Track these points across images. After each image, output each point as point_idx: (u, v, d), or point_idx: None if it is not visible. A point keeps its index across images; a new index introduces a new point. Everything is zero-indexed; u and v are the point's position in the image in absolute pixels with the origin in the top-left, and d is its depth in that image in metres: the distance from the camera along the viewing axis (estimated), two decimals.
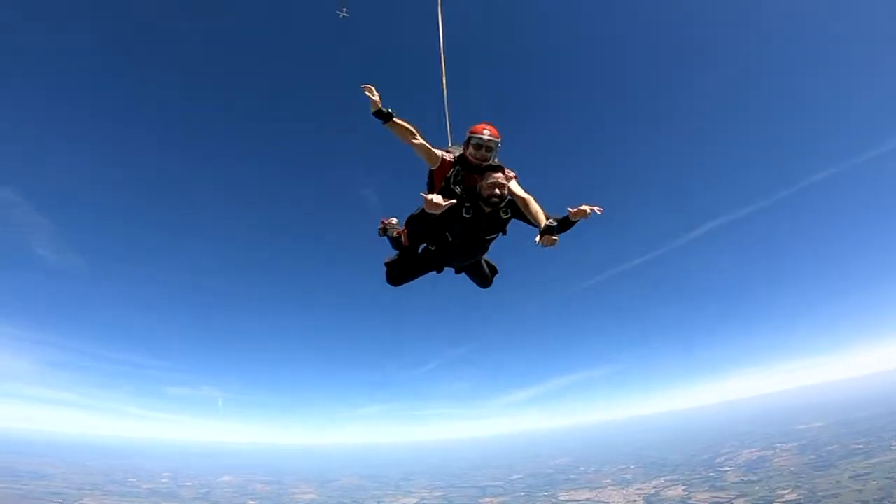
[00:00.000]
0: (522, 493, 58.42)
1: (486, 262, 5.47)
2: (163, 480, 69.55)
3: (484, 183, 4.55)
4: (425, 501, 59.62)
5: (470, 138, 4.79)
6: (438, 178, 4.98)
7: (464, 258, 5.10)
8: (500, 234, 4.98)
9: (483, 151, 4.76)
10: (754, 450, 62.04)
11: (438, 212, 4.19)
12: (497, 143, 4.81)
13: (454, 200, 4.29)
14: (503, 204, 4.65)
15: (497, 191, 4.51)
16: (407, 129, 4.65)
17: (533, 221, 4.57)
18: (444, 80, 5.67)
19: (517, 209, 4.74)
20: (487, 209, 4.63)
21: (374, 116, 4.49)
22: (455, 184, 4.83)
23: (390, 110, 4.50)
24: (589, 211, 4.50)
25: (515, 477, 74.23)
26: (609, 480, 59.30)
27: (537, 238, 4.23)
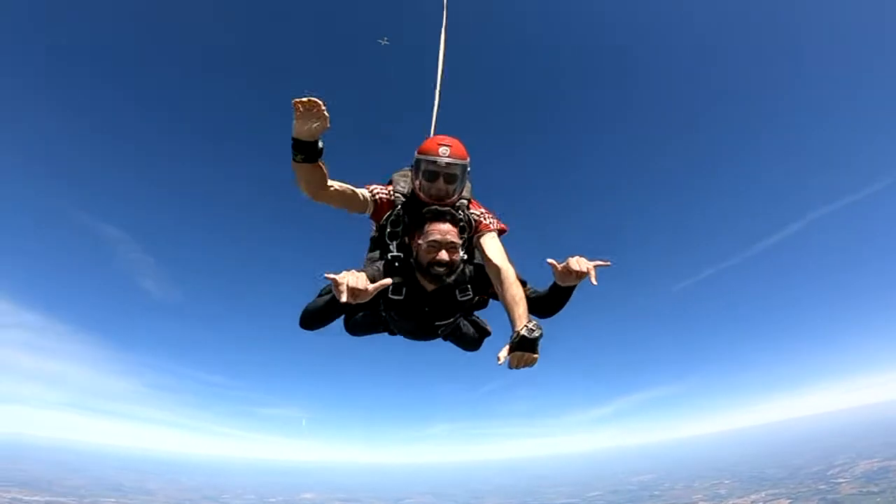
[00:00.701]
0: None
1: (471, 320, 3.49)
2: (249, 497, 73.58)
3: (422, 242, 2.71)
4: None
5: (418, 162, 2.95)
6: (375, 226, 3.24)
7: (415, 338, 3.25)
8: (466, 311, 3.16)
9: (439, 183, 2.90)
10: (874, 460, 54.24)
11: (355, 301, 2.42)
12: (461, 167, 2.92)
13: (386, 282, 2.47)
14: (452, 277, 2.81)
15: (441, 256, 2.68)
16: (324, 173, 2.74)
17: (505, 309, 2.71)
18: (440, 79, 4.21)
19: (485, 283, 2.91)
20: (430, 286, 2.83)
21: (293, 147, 2.52)
22: (391, 237, 2.97)
23: (321, 146, 2.60)
24: (587, 270, 2.64)
25: (593, 494, 70.20)
26: (700, 496, 54.37)
27: (502, 354, 2.48)
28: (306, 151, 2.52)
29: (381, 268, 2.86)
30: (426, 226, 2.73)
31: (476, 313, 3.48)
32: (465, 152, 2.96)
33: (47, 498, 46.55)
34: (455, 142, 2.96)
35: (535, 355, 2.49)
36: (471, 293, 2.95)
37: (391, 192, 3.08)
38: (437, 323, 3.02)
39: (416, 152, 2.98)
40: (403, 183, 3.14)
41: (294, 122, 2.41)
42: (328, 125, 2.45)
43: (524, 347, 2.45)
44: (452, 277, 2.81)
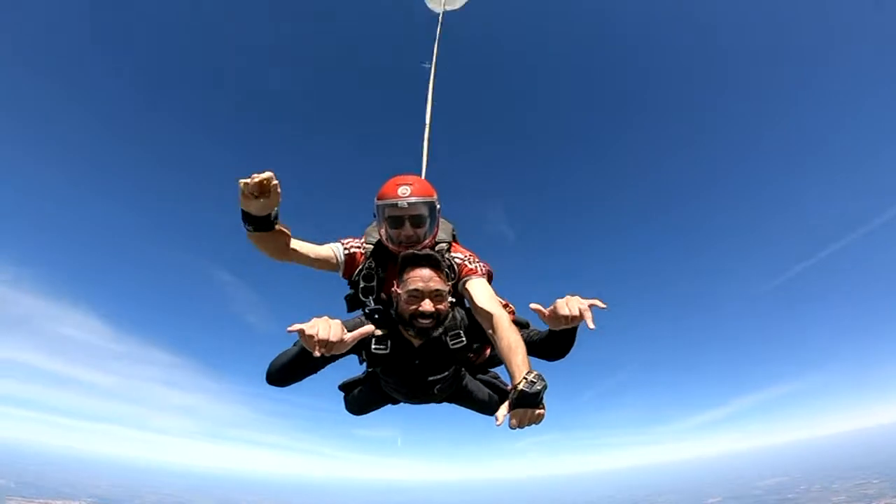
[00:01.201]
0: None
1: (485, 381, 2.94)
2: None
3: (402, 292, 2.48)
4: None
5: (379, 209, 2.62)
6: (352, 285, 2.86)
7: (414, 401, 2.73)
8: (465, 363, 2.66)
9: (406, 228, 2.58)
10: None
11: (330, 353, 2.36)
12: (427, 205, 2.58)
13: (367, 329, 2.34)
14: (440, 329, 2.50)
15: (425, 306, 2.45)
16: (285, 236, 2.58)
17: (502, 359, 2.47)
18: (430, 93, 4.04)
19: (477, 330, 2.54)
20: (415, 340, 2.50)
21: (243, 220, 2.50)
22: (366, 293, 2.62)
23: (274, 215, 2.53)
24: (578, 314, 2.40)
25: (712, 501, 63.68)
26: (843, 498, 47.04)
27: (500, 414, 2.28)
28: (257, 224, 2.51)
29: (362, 319, 2.56)
30: (405, 273, 2.49)
31: (492, 370, 2.98)
32: (430, 189, 2.60)
33: None
34: (417, 178, 2.61)
35: (540, 411, 2.31)
36: (464, 339, 2.53)
37: (362, 245, 2.67)
38: (430, 378, 2.55)
39: (375, 199, 2.62)
40: (375, 235, 2.71)
41: (240, 196, 2.47)
42: (279, 201, 2.47)
43: (526, 403, 2.30)
44: (440, 329, 2.50)
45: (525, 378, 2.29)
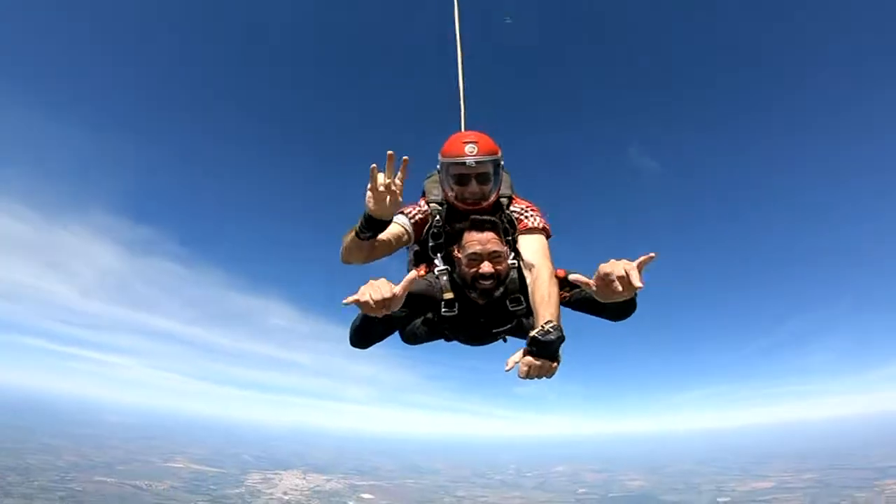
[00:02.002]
0: None
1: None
2: (509, 472, 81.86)
3: (462, 256, 2.51)
4: (789, 485, 47.42)
5: (444, 167, 2.69)
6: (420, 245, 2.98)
7: (474, 345, 3.04)
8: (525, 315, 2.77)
9: (472, 185, 2.65)
10: None
11: (389, 311, 2.06)
12: (493, 163, 2.64)
13: (410, 276, 2.07)
14: (501, 289, 2.54)
15: (484, 268, 2.46)
16: (376, 249, 2.57)
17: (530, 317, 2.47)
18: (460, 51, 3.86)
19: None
20: (479, 300, 2.56)
21: (365, 223, 2.35)
22: (435, 251, 2.74)
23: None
24: (625, 273, 2.01)
25: None
26: None
27: (511, 360, 2.13)
28: (377, 229, 2.38)
29: (431, 281, 2.68)
30: (464, 237, 2.54)
31: None
32: (494, 146, 2.68)
33: (371, 482, 62.56)
34: (481, 136, 2.68)
35: (552, 363, 2.08)
36: (524, 304, 2.61)
37: (425, 206, 2.85)
38: (494, 331, 2.85)
39: (439, 155, 2.72)
40: (436, 191, 2.90)
41: (371, 198, 2.21)
42: (401, 199, 2.28)
43: (537, 352, 2.06)
44: (501, 290, 2.54)
45: (542, 326, 2.09)
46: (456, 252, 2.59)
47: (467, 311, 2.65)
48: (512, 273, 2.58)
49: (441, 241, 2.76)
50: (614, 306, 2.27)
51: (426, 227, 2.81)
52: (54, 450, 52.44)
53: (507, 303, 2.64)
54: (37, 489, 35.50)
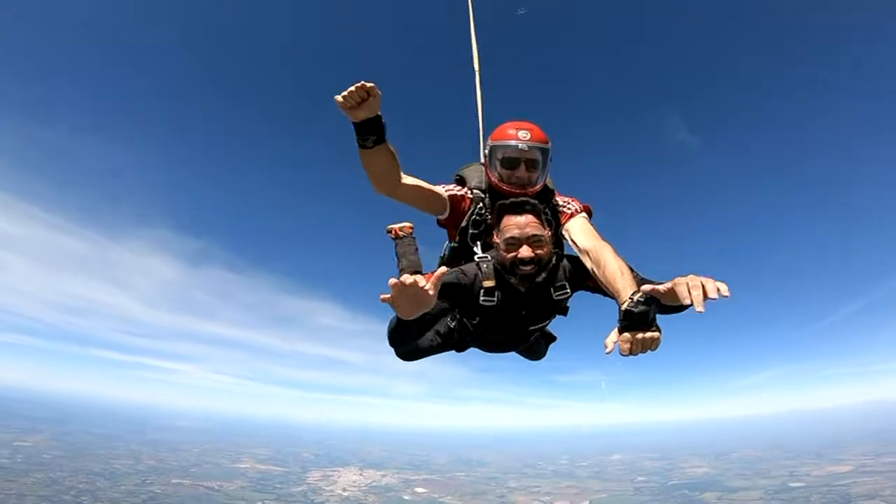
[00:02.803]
0: None
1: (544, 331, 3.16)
2: (562, 462, 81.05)
3: (500, 241, 2.43)
4: (868, 468, 43.60)
5: (494, 150, 2.72)
6: (452, 232, 2.93)
7: (499, 350, 2.95)
8: (562, 311, 2.75)
9: (521, 170, 2.66)
10: None
11: (425, 309, 1.98)
12: (543, 151, 2.68)
13: (441, 271, 1.97)
14: (543, 274, 2.40)
15: (523, 252, 2.33)
16: (396, 159, 2.50)
17: (608, 293, 2.24)
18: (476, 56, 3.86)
19: (583, 275, 2.51)
20: (521, 286, 2.43)
21: (357, 132, 2.31)
22: (474, 240, 2.73)
23: (383, 120, 2.34)
24: (701, 301, 1.81)
25: None
26: None
27: (609, 340, 1.94)
28: (374, 130, 2.30)
29: (471, 271, 2.56)
30: (502, 221, 2.45)
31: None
32: (546, 136, 2.73)
33: (424, 476, 63.87)
34: (534, 126, 2.73)
35: (654, 333, 1.88)
36: (568, 290, 2.55)
37: (467, 190, 2.86)
38: (531, 328, 2.70)
39: (489, 140, 2.78)
40: (477, 179, 2.90)
41: (346, 113, 2.25)
42: (380, 101, 2.25)
43: (634, 325, 1.88)
44: (543, 275, 2.41)
45: (630, 298, 1.91)
46: (494, 237, 2.50)
47: (508, 301, 2.52)
48: (554, 259, 2.48)
49: (482, 228, 2.71)
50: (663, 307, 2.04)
51: (468, 214, 2.77)
52: (135, 455, 57.13)
53: (552, 290, 2.52)
54: (123, 493, 38.79)
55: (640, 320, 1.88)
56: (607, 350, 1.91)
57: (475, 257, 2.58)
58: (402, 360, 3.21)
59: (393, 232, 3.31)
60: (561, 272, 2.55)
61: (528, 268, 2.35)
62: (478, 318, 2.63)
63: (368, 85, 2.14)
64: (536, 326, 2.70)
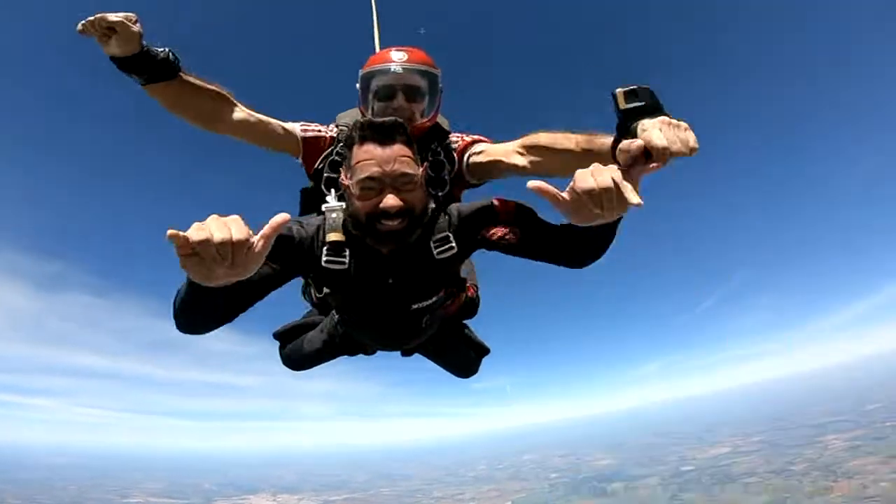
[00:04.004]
0: (890, 424, 44.27)
1: (465, 337, 2.50)
2: (481, 467, 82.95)
3: (351, 181, 1.55)
4: (742, 449, 51.66)
5: (365, 79, 2.13)
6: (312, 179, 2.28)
7: (388, 346, 2.23)
8: (454, 282, 2.09)
9: (398, 100, 2.05)
10: None
11: (243, 273, 1.16)
12: (427, 76, 2.10)
13: (279, 217, 1.17)
14: (415, 231, 1.59)
15: (387, 201, 1.50)
16: (204, 94, 1.99)
17: (574, 155, 1.74)
18: None
19: (479, 220, 1.70)
20: (383, 248, 1.62)
21: (120, 69, 1.82)
22: (329, 185, 2.05)
23: (172, 56, 1.87)
24: (602, 190, 1.22)
25: (872, 407, 58.23)
26: None
27: (634, 145, 1.28)
28: (142, 67, 1.82)
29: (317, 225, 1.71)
30: (354, 153, 1.55)
31: (468, 325, 2.47)
32: (430, 59, 2.13)
33: (345, 496, 60.63)
34: (414, 49, 2.12)
35: (679, 121, 1.30)
36: (454, 244, 1.68)
37: (331, 129, 2.22)
38: (413, 306, 1.81)
39: (361, 70, 2.14)
40: (351, 118, 2.23)
41: (100, 45, 1.79)
42: (138, 34, 1.75)
43: (645, 112, 1.32)
44: (418, 231, 1.59)
45: (616, 100, 1.38)
46: (343, 176, 1.61)
47: (365, 266, 1.66)
48: (428, 208, 1.66)
49: (338, 173, 1.83)
50: (582, 239, 1.53)
51: (325, 153, 2.13)
52: None
53: (432, 245, 1.68)
54: None
55: (648, 105, 1.33)
56: (634, 201, 1.23)
57: (322, 206, 1.74)
58: (290, 370, 2.55)
59: None
60: (444, 221, 1.72)
61: (394, 222, 1.50)
62: (327, 292, 1.84)
63: (113, 18, 1.69)
64: (421, 305, 1.82)
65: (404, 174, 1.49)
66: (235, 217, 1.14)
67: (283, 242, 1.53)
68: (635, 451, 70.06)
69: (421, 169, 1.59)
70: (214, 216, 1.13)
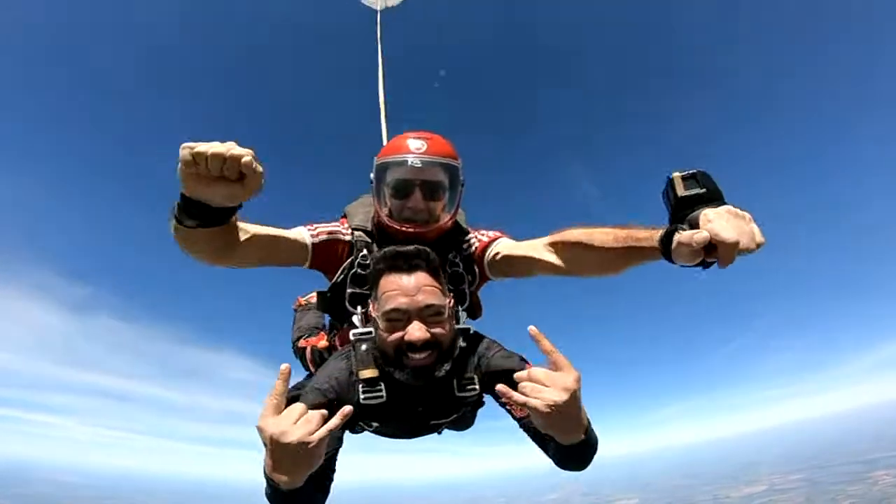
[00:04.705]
0: None
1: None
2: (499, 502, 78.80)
3: (377, 314, 1.54)
4: (780, 487, 47.79)
5: (380, 171, 1.90)
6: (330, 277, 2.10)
7: (403, 438, 2.14)
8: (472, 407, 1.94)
9: (415, 197, 1.83)
10: None
11: (310, 469, 1.26)
12: (448, 169, 1.89)
13: (345, 410, 1.26)
14: (445, 365, 1.53)
15: (413, 334, 1.46)
16: (237, 231, 1.65)
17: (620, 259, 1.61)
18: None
19: (498, 379, 1.42)
20: (413, 382, 1.53)
21: (182, 211, 1.40)
22: (354, 302, 1.86)
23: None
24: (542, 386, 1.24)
25: None
26: None
27: (695, 239, 1.19)
28: (209, 218, 1.42)
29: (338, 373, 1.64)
30: (380, 283, 1.54)
31: None
32: (451, 149, 1.89)
33: None
34: (434, 135, 1.88)
35: (743, 211, 1.21)
36: (477, 388, 1.65)
37: (344, 230, 1.96)
38: (433, 422, 1.82)
39: (376, 158, 1.90)
40: (363, 215, 2.00)
41: (184, 178, 1.30)
42: (261, 187, 1.37)
43: (704, 200, 1.23)
44: (446, 367, 1.53)
45: (674, 185, 1.30)
46: (371, 308, 1.60)
47: (398, 396, 1.62)
48: (460, 341, 1.62)
49: (365, 287, 1.79)
50: (557, 448, 1.45)
51: (344, 266, 1.89)
52: None
53: (455, 384, 1.64)
54: None
55: (708, 191, 1.24)
56: (685, 242, 1.18)
57: (350, 334, 1.70)
58: None
59: (298, 303, 2.81)
60: (473, 360, 1.68)
61: (421, 356, 1.47)
62: (371, 420, 1.74)
63: (258, 168, 1.29)
64: (441, 421, 1.83)
65: (430, 305, 1.48)
66: (313, 414, 1.21)
67: (326, 408, 1.39)
68: (664, 491, 65.90)
69: (448, 299, 1.58)
70: (289, 412, 1.20)
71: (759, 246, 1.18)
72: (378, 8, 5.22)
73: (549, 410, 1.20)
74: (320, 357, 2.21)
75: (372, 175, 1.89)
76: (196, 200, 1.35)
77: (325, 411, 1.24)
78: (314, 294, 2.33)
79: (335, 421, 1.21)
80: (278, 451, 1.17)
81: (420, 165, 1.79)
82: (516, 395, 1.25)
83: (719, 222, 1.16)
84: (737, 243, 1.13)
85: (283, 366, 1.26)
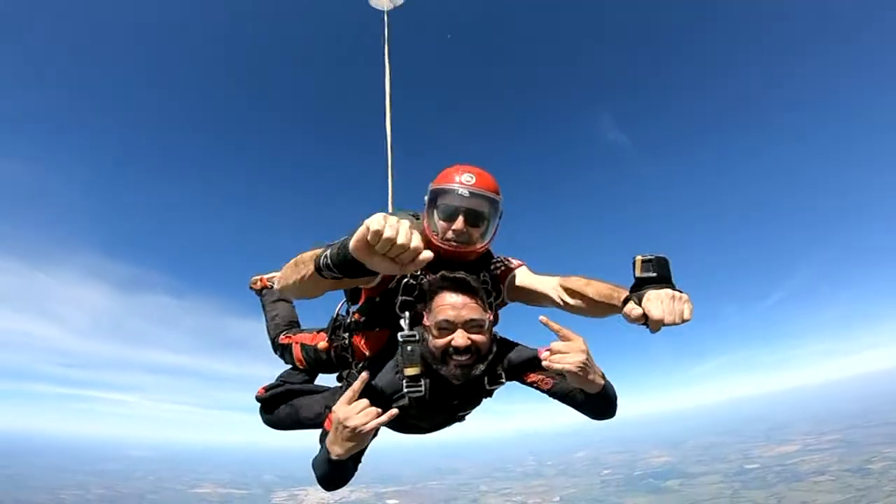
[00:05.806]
0: None
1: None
2: (529, 463, 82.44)
3: (430, 323, 1.97)
4: (813, 447, 47.57)
5: (433, 195, 2.25)
6: (367, 294, 2.41)
7: (420, 433, 2.50)
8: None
9: (458, 222, 2.17)
10: None
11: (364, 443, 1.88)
12: (490, 202, 2.22)
13: (394, 411, 1.84)
14: (482, 365, 1.98)
15: (458, 340, 1.91)
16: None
17: (600, 306, 2.00)
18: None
19: (523, 365, 2.16)
20: (454, 379, 1.97)
21: (336, 266, 1.56)
22: (404, 308, 2.15)
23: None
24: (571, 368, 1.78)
25: None
26: None
27: (633, 311, 1.65)
28: (352, 273, 1.58)
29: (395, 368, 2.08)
30: (434, 300, 1.98)
31: None
32: (496, 185, 2.25)
33: (394, 489, 62.33)
34: (483, 172, 2.25)
35: (681, 294, 1.59)
36: (504, 380, 2.16)
37: None
38: (461, 413, 2.34)
39: (429, 186, 2.28)
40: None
41: (358, 246, 1.48)
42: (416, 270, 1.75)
43: (652, 282, 1.64)
44: (482, 367, 1.97)
45: (635, 266, 1.70)
46: (425, 319, 2.01)
47: (438, 391, 2.04)
48: (494, 348, 2.05)
49: (414, 295, 2.14)
50: (583, 403, 2.04)
51: (397, 276, 2.18)
52: (83, 485, 52.66)
53: (485, 380, 2.10)
54: None
55: (659, 276, 1.64)
56: (631, 317, 1.63)
57: (399, 335, 2.04)
58: (272, 429, 2.61)
59: (259, 283, 2.96)
60: (504, 362, 2.16)
61: (464, 357, 1.91)
62: (410, 410, 2.09)
63: (423, 256, 1.49)
64: (466, 412, 2.35)
65: (473, 319, 1.93)
66: (364, 402, 1.78)
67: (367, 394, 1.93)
68: (695, 450, 66.43)
69: (488, 314, 2.00)
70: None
71: (683, 321, 1.58)
72: (385, 9, 5.27)
73: (576, 369, 1.75)
74: (316, 357, 2.56)
75: (426, 198, 2.28)
76: (356, 262, 1.50)
77: (379, 409, 1.79)
78: (274, 274, 2.71)
79: (384, 418, 1.78)
80: (340, 430, 1.74)
81: (468, 196, 2.17)
82: (554, 364, 1.78)
83: (655, 303, 1.57)
84: (661, 320, 1.54)
85: (363, 374, 1.85)
